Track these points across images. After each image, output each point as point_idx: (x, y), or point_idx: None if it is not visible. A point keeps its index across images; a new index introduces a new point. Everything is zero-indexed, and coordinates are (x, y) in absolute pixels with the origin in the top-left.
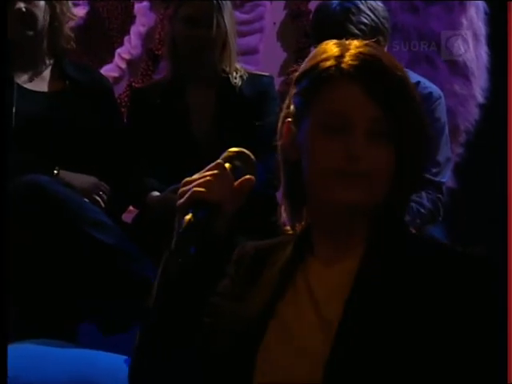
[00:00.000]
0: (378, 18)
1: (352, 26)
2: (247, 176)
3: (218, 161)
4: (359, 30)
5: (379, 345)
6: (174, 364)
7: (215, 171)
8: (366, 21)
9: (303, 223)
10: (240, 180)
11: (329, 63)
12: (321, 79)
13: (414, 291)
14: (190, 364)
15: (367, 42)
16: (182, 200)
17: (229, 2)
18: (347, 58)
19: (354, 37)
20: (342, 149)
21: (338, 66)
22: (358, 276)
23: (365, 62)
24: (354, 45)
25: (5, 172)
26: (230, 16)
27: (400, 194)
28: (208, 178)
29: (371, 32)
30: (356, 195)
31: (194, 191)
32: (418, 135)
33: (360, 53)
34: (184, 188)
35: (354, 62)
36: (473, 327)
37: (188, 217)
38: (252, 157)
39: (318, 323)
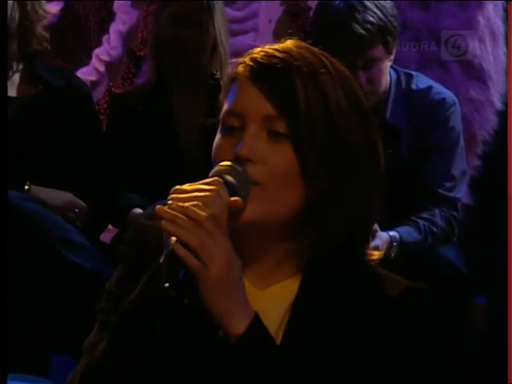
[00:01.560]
0: (386, 17)
1: (357, 25)
2: (236, 198)
3: (215, 177)
4: (365, 29)
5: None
6: None
7: (213, 187)
8: (372, 19)
9: None
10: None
11: (240, 61)
12: (230, 79)
13: (351, 330)
14: None
15: (293, 39)
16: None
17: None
18: (254, 55)
19: (360, 37)
20: (233, 150)
21: (244, 63)
22: (293, 313)
23: (268, 58)
24: (280, 43)
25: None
26: (221, 15)
27: (321, 209)
28: (206, 193)
29: (378, 31)
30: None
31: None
32: (319, 136)
33: (269, 48)
34: (176, 196)
35: (260, 59)
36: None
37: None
38: (245, 171)
39: None
